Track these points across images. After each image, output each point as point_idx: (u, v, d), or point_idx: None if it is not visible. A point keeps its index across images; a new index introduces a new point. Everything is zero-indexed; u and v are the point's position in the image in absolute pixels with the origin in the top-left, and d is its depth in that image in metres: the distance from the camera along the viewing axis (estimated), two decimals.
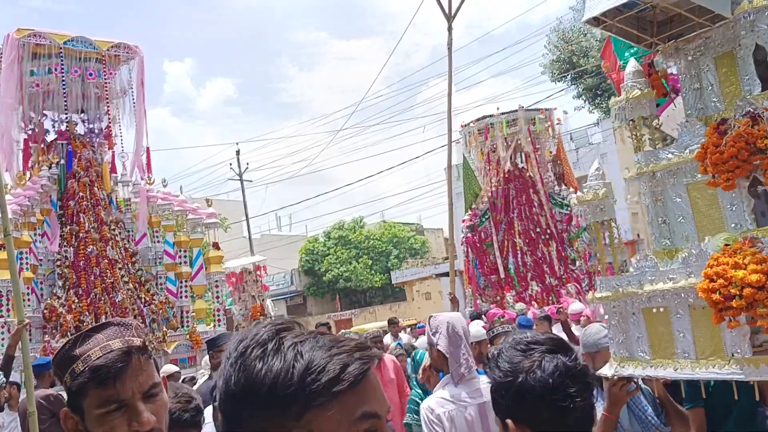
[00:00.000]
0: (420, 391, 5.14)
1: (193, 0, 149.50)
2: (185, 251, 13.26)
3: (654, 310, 2.91)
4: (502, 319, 10.49)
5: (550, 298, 13.12)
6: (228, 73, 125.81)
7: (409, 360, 8.38)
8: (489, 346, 5.50)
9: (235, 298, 15.74)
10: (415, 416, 4.62)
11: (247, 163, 34.28)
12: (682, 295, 2.78)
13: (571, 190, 14.20)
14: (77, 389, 1.57)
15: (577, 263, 13.71)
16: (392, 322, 12.18)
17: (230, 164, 33.87)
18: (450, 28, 11.63)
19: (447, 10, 11.67)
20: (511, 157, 14.29)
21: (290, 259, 38.85)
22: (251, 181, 44.11)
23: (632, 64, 3.27)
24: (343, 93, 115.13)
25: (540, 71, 31.60)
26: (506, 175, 14.25)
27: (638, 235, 26.69)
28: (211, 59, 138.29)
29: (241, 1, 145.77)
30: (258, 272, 16.26)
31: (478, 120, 14.49)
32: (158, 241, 13.21)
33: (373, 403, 1.00)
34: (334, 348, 0.99)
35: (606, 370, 3.08)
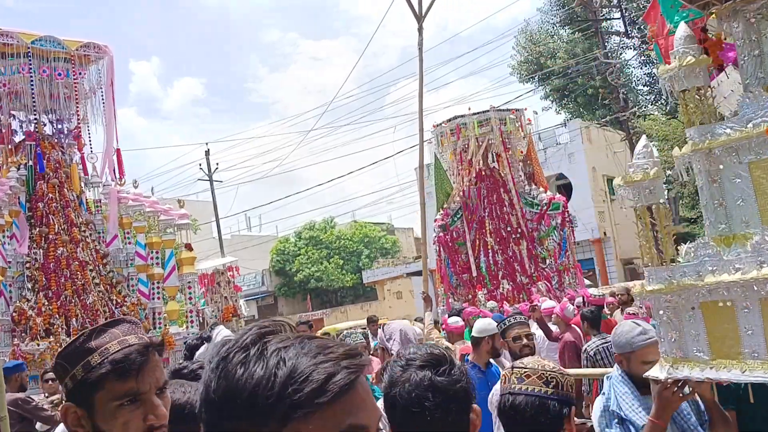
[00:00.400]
0: None
1: None
2: (157, 252, 13.16)
3: (715, 305, 2.56)
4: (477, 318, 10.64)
5: (521, 296, 13.32)
6: (196, 73, 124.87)
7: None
8: (501, 339, 5.44)
9: (207, 300, 15.67)
10: None
11: (217, 164, 34.11)
12: (755, 288, 2.42)
13: (541, 189, 14.44)
14: (94, 380, 1.59)
15: (547, 261, 13.95)
16: (371, 321, 11.90)
17: (200, 165, 33.68)
18: (420, 29, 11.74)
19: (417, 11, 11.79)
20: (482, 157, 14.45)
21: (261, 259, 38.72)
22: (221, 181, 43.71)
23: (683, 29, 2.87)
24: (314, 93, 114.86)
25: (508, 72, 32.02)
26: (478, 175, 14.41)
27: (605, 233, 27.18)
28: (179, 59, 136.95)
29: (209, 0, 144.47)
30: (230, 273, 16.22)
31: (450, 120, 14.61)
32: (129, 243, 13.06)
33: (361, 414, 0.93)
34: (320, 355, 0.93)
35: (656, 372, 2.74)
